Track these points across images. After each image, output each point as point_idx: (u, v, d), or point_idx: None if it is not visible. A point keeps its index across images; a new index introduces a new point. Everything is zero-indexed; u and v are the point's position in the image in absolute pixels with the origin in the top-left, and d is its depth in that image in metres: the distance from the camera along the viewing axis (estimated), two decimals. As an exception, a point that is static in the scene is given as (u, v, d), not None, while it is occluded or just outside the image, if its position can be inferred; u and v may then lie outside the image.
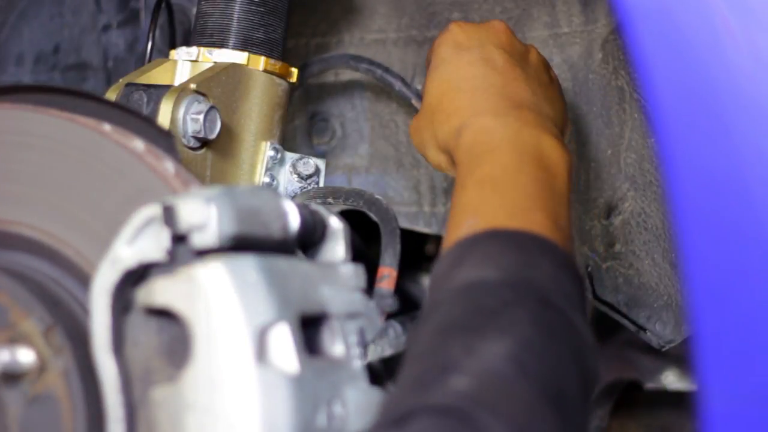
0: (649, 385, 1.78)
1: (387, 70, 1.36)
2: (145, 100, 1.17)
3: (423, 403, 0.81)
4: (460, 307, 0.89)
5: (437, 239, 1.77)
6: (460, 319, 0.88)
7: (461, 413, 0.79)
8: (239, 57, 1.26)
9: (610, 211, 1.39)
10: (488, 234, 0.95)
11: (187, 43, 1.30)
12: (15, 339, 0.93)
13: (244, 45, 1.27)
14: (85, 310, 0.94)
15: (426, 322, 0.90)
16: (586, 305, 0.95)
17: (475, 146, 1.05)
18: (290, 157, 1.31)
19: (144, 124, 1.02)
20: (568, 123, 1.18)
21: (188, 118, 1.17)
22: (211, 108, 1.19)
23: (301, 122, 1.55)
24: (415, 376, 0.85)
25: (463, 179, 1.03)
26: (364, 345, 0.97)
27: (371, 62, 1.37)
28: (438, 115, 1.13)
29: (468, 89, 1.12)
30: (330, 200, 1.25)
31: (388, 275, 1.17)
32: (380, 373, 1.66)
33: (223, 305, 0.86)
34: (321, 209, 1.02)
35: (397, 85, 1.35)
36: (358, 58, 1.38)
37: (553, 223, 0.97)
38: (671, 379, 1.79)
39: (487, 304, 0.88)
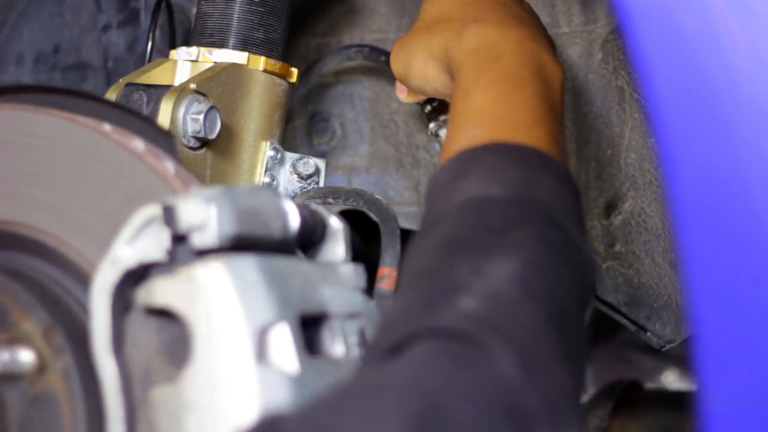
0: (649, 385, 1.78)
1: (373, 48, 1.39)
2: (145, 100, 1.18)
3: (428, 326, 0.81)
4: (466, 224, 0.89)
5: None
6: (466, 237, 0.88)
7: (467, 335, 0.79)
8: (239, 57, 1.26)
9: (610, 211, 1.39)
10: (492, 147, 0.95)
11: (187, 43, 1.30)
12: (15, 339, 0.93)
13: (244, 45, 1.27)
14: (85, 310, 0.94)
15: (428, 234, 0.90)
16: (583, 218, 0.96)
17: (479, 52, 1.05)
18: (290, 157, 1.31)
19: (144, 124, 1.02)
20: (555, 45, 1.19)
21: (188, 118, 1.17)
22: (211, 108, 1.19)
23: (301, 122, 1.55)
24: (420, 296, 0.85)
25: (466, 85, 1.02)
26: (364, 345, 0.97)
27: (359, 45, 1.42)
28: (436, 25, 1.12)
29: (470, 2, 1.12)
30: (330, 200, 1.25)
31: (388, 275, 1.17)
32: (380, 373, 1.66)
33: (223, 305, 0.86)
34: (321, 209, 1.02)
35: (384, 56, 1.37)
36: (348, 47, 1.42)
37: (553, 138, 0.97)
38: (671, 379, 1.79)
39: (492, 223, 0.88)
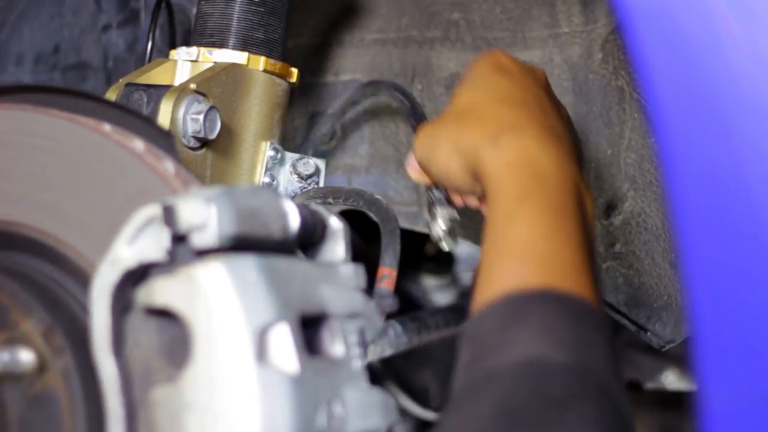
0: (649, 385, 1.78)
1: (416, 108, 1.34)
2: (145, 100, 1.17)
3: None
4: (525, 391, 0.86)
5: (437, 239, 1.77)
6: (525, 408, 0.85)
7: None
8: (239, 57, 1.26)
9: (610, 211, 1.39)
10: (543, 296, 0.91)
11: (187, 43, 1.30)
12: (15, 339, 0.93)
13: (244, 45, 1.27)
14: (85, 310, 0.94)
15: (482, 395, 0.87)
16: (622, 374, 0.94)
17: (520, 169, 0.99)
18: (290, 157, 1.31)
19: (144, 124, 1.02)
20: (583, 157, 1.14)
21: (188, 118, 1.17)
22: (211, 108, 1.19)
23: (301, 122, 1.55)
24: None
25: (509, 208, 0.97)
26: (364, 345, 0.97)
27: (395, 85, 1.37)
28: (468, 118, 1.06)
29: (508, 103, 1.06)
30: (330, 200, 1.25)
31: (388, 275, 1.17)
32: (380, 373, 1.67)
33: (223, 305, 0.86)
34: (321, 209, 1.02)
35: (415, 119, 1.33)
36: (396, 87, 1.38)
37: (593, 282, 0.94)
38: (671, 379, 1.79)
39: (553, 393, 0.86)
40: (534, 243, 0.94)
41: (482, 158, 1.02)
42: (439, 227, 1.22)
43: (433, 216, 1.23)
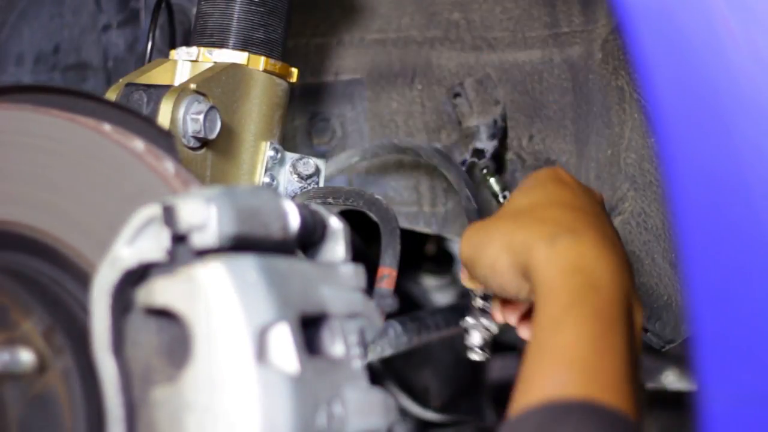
0: (649, 385, 1.78)
1: (462, 176, 1.34)
2: (145, 100, 1.18)
3: None
4: None
5: (437, 239, 1.77)
6: None
7: None
8: (239, 57, 1.26)
9: (610, 211, 1.39)
10: (583, 408, 0.89)
11: (187, 43, 1.30)
12: (15, 339, 0.93)
13: (244, 45, 1.27)
14: (85, 310, 0.94)
15: None
16: None
17: (575, 274, 0.97)
18: (290, 157, 1.31)
19: (144, 124, 1.02)
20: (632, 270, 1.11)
21: (188, 118, 1.17)
22: (211, 108, 1.19)
23: (301, 122, 1.55)
24: None
25: (557, 312, 0.96)
26: (364, 345, 0.97)
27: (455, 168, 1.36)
28: (525, 217, 1.05)
29: (568, 208, 1.05)
30: (330, 200, 1.25)
31: (388, 275, 1.17)
32: (380, 373, 1.67)
33: (223, 305, 0.86)
34: (321, 209, 1.02)
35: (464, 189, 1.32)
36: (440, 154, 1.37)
37: (635, 397, 0.93)
38: (671, 379, 1.79)
39: None
40: (579, 352, 0.93)
41: (536, 258, 1.00)
42: (477, 337, 1.22)
43: (474, 326, 1.23)
